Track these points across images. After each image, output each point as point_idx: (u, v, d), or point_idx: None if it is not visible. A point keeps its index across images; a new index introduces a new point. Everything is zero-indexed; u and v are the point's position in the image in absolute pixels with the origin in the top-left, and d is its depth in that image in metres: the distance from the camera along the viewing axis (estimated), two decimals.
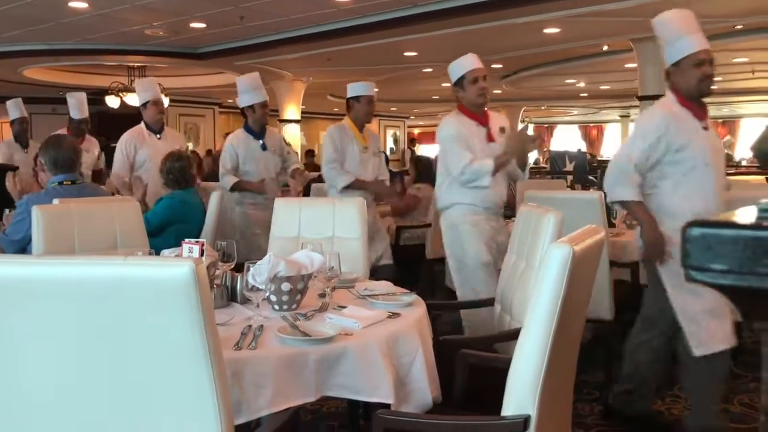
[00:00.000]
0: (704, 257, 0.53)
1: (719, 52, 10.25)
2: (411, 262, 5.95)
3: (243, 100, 4.74)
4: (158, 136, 4.94)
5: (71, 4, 7.07)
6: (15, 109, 6.08)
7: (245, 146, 4.74)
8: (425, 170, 6.08)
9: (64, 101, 5.76)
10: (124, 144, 4.88)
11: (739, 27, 8.16)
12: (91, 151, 5.66)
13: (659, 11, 3.02)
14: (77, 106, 5.56)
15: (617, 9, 6.79)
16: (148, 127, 4.94)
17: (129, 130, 5.01)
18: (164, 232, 3.87)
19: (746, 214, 0.56)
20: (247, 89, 4.72)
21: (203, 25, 8.23)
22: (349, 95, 4.60)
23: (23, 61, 10.16)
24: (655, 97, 9.05)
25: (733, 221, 0.54)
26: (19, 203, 3.43)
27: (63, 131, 5.37)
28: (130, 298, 1.14)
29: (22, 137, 6.14)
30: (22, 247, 3.22)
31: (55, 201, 3.09)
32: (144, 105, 4.95)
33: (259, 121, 4.76)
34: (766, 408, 0.64)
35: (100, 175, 5.82)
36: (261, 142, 4.75)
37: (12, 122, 6.11)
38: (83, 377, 1.18)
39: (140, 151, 4.87)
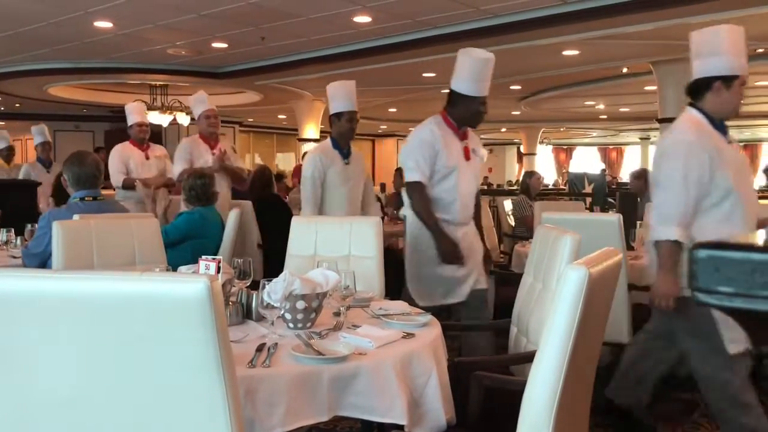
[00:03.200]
0: (712, 279, 0.52)
1: None
2: None
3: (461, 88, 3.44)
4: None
5: (96, 24, 7.21)
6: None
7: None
8: None
9: (87, 118, 6.01)
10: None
11: (760, 50, 8.12)
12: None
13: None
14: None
15: (636, 32, 6.79)
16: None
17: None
18: (182, 245, 3.92)
19: (755, 237, 0.55)
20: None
21: (225, 45, 8.35)
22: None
23: (48, 79, 10.35)
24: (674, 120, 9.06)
25: (742, 243, 0.53)
26: (41, 218, 3.48)
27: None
28: (145, 314, 1.15)
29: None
30: (43, 262, 3.26)
31: (75, 217, 3.13)
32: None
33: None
34: None
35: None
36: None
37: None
38: (96, 392, 1.19)
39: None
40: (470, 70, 3.39)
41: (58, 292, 1.16)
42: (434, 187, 3.45)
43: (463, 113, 3.46)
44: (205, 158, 5.07)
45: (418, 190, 3.42)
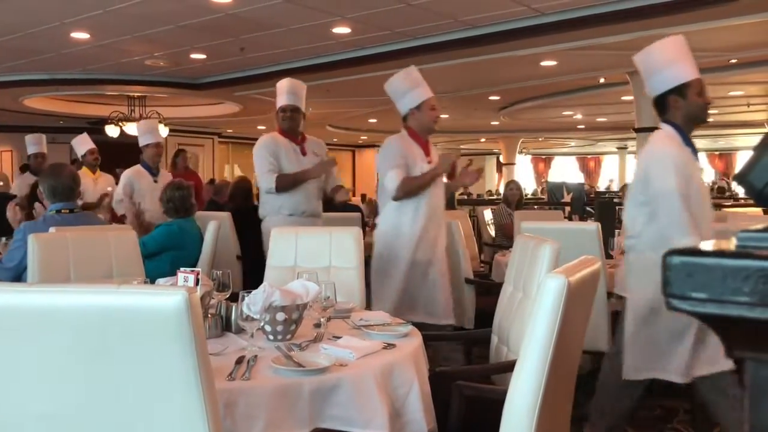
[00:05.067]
0: (685, 285, 0.53)
1: (715, 85, 10.38)
2: None
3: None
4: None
5: (73, 35, 7.14)
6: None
7: None
8: None
9: (63, 130, 5.91)
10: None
11: (733, 61, 8.25)
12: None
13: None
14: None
15: (613, 42, 6.87)
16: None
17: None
18: (160, 256, 3.89)
19: (725, 243, 0.56)
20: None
21: (203, 56, 8.31)
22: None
23: (24, 90, 10.23)
24: (652, 130, 9.17)
25: (712, 249, 0.54)
26: (16, 231, 3.43)
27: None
28: (123, 326, 1.13)
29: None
30: (18, 275, 3.21)
31: (52, 229, 3.09)
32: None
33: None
34: None
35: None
36: None
37: None
38: (74, 406, 1.17)
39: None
40: None
41: (34, 305, 1.15)
42: None
43: None
44: (421, 166, 3.88)
45: None
